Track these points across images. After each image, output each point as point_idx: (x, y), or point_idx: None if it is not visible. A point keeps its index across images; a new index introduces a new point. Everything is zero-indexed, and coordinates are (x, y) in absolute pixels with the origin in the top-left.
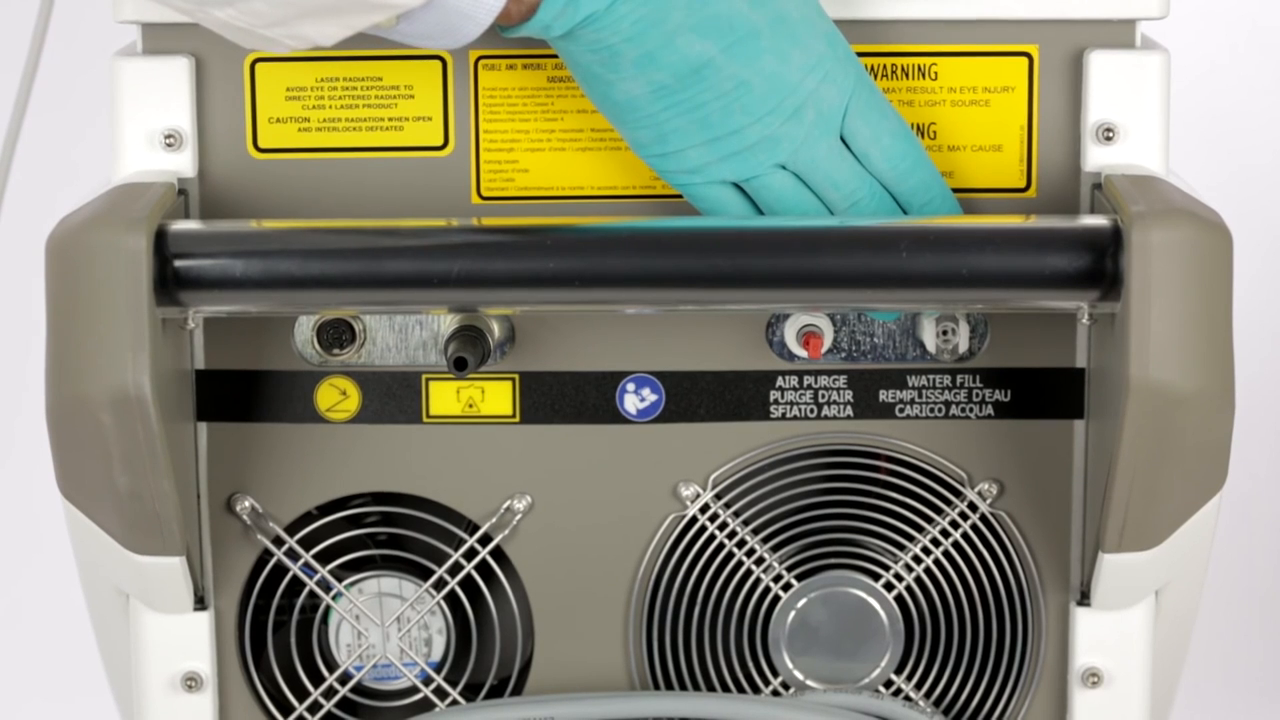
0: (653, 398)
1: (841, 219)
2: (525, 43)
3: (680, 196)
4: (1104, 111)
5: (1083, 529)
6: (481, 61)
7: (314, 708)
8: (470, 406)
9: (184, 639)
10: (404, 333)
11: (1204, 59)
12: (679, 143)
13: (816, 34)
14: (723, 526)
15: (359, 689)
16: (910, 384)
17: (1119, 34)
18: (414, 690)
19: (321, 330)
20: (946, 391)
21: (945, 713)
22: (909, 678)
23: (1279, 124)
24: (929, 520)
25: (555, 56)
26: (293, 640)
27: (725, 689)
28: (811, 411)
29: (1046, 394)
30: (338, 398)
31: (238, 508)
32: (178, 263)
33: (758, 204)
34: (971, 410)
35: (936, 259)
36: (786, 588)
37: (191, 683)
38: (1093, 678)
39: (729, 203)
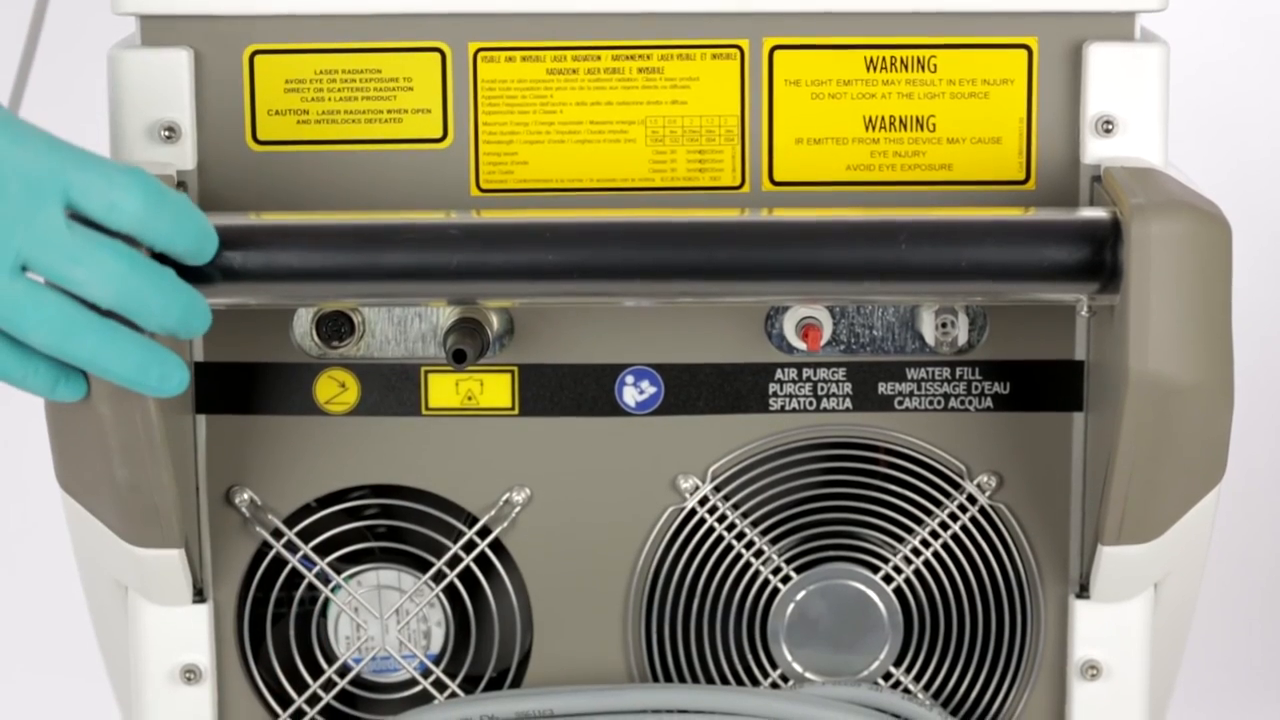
0: (652, 390)
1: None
2: (524, 34)
3: (679, 189)
4: (1103, 104)
5: (1082, 521)
6: (481, 54)
7: (313, 700)
8: (469, 399)
9: (183, 631)
10: (403, 325)
11: (1203, 51)
12: None
13: None
14: (721, 519)
15: (358, 681)
16: (909, 376)
17: (1118, 26)
18: (413, 682)
19: (320, 322)
20: (945, 384)
21: (944, 705)
22: (908, 670)
23: (1278, 117)
24: (928, 513)
25: (555, 49)
26: (291, 632)
27: (724, 681)
28: (810, 404)
29: (1046, 386)
30: (337, 390)
31: (237, 500)
32: None
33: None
34: (970, 403)
35: (936, 251)
36: (785, 580)
37: (190, 675)
38: (1091, 670)
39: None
